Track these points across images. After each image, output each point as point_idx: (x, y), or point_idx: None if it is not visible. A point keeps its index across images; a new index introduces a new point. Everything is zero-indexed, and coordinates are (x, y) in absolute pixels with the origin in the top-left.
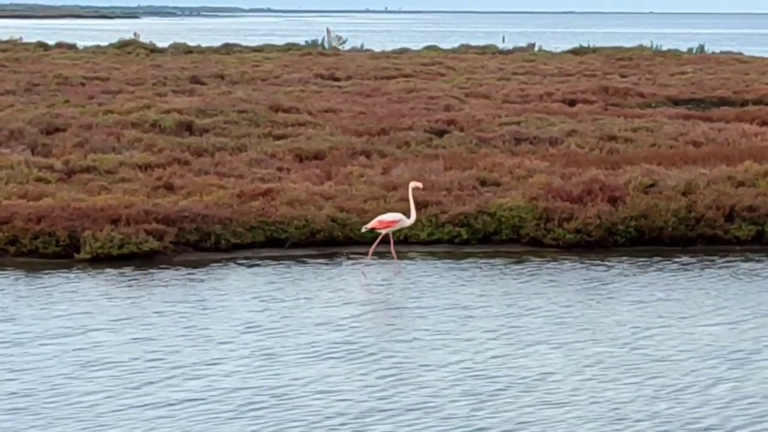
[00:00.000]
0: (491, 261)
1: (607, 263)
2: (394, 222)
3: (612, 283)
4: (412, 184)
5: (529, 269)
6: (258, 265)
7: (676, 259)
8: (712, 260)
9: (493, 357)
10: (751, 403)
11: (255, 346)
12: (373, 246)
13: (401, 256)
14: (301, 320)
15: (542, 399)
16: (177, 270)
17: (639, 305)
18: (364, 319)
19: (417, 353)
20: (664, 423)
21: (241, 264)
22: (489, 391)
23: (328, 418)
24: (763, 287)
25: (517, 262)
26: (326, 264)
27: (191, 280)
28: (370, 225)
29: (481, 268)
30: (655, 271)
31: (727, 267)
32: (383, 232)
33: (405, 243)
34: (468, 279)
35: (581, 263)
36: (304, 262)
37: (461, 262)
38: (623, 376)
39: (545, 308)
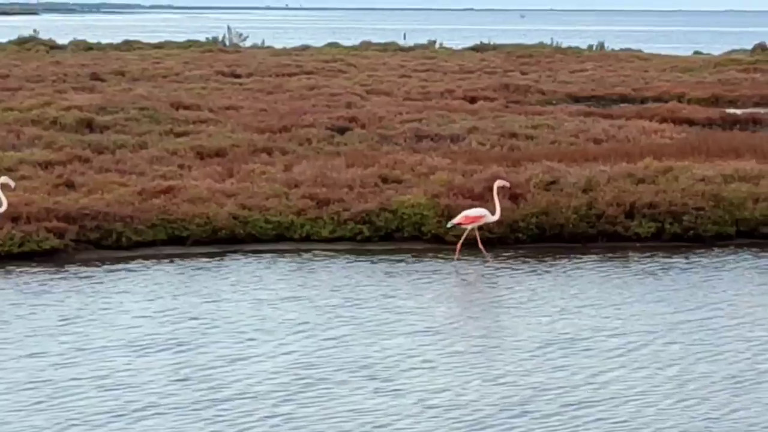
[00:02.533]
0: (392, 258)
1: (508, 260)
2: (479, 217)
3: (512, 279)
4: (498, 183)
5: (429, 267)
6: (159, 263)
7: (577, 256)
8: (613, 257)
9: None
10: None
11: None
12: (459, 242)
13: (303, 254)
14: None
15: (381, 388)
16: (78, 268)
17: (535, 302)
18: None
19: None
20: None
21: (141, 262)
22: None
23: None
24: (662, 283)
25: (418, 260)
26: (227, 261)
27: (90, 278)
28: (455, 220)
29: (382, 265)
30: (554, 267)
31: (626, 263)
32: (468, 227)
33: (307, 240)
34: (367, 276)
35: (510, 262)
36: (206, 260)
37: (362, 259)
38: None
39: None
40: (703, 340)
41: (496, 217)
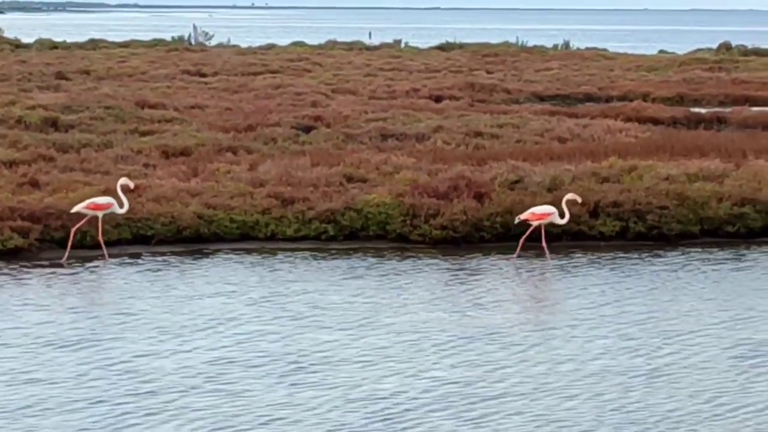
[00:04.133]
0: (356, 257)
1: (472, 259)
2: (546, 215)
3: (476, 278)
4: (568, 197)
5: (392, 266)
6: (124, 262)
7: (552, 255)
8: (577, 255)
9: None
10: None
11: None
12: (523, 238)
13: (267, 254)
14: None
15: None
16: (41, 267)
17: (499, 301)
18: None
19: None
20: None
21: (114, 262)
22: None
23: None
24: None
25: (382, 259)
26: (192, 260)
27: (53, 277)
28: (522, 216)
29: (346, 263)
30: (526, 266)
31: (590, 262)
32: (535, 224)
33: (272, 240)
34: (331, 275)
35: (445, 259)
36: (170, 259)
37: (327, 258)
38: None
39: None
40: (628, 334)
41: (565, 220)
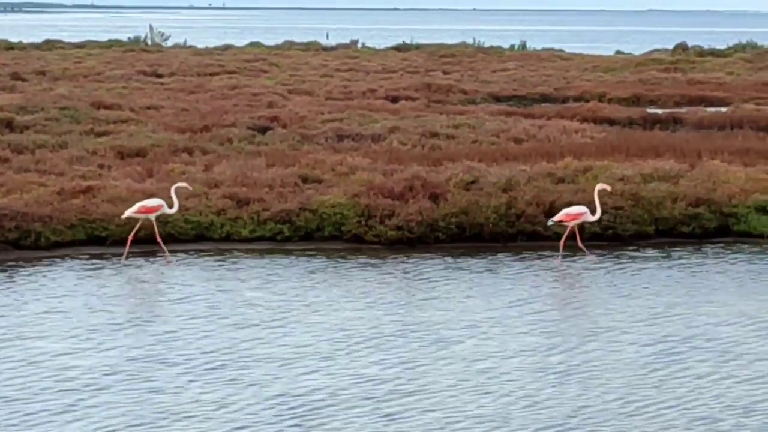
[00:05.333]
0: (312, 257)
1: (427, 259)
2: (580, 215)
3: (417, 278)
4: (599, 186)
5: (336, 265)
6: (78, 263)
7: (496, 255)
8: (531, 256)
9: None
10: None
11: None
12: (563, 239)
13: (221, 254)
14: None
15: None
16: None
17: (431, 299)
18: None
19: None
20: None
21: (60, 262)
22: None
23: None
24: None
25: (329, 259)
26: (149, 262)
27: (6, 278)
28: (556, 218)
29: (292, 263)
30: (473, 266)
31: (546, 263)
32: (570, 224)
33: (227, 240)
34: (274, 275)
35: (401, 259)
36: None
37: (282, 258)
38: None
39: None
40: (550, 332)
41: (597, 216)
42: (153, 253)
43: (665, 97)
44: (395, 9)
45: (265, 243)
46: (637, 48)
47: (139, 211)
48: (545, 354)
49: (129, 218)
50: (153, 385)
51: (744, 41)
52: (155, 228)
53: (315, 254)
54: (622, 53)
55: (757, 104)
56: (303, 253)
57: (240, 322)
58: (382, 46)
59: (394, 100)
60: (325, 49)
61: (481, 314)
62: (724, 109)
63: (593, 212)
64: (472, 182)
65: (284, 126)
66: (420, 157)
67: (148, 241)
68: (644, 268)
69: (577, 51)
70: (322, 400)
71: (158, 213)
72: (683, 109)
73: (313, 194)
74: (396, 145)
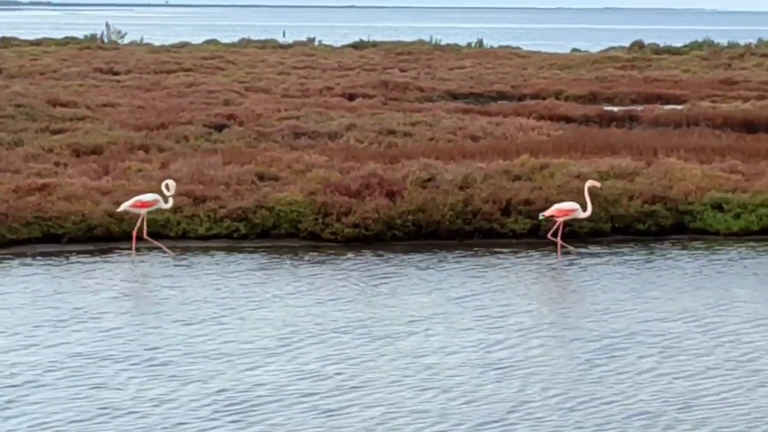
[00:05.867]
0: (267, 255)
1: (381, 256)
2: (571, 211)
3: (383, 275)
4: (589, 183)
5: (301, 263)
6: (31, 261)
7: (451, 253)
8: (486, 253)
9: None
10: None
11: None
12: (559, 236)
13: (177, 252)
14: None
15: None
16: None
17: (379, 295)
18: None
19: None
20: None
21: (13, 260)
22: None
23: None
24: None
25: (292, 256)
26: (102, 259)
27: None
28: (548, 213)
29: (254, 261)
30: (426, 264)
31: (500, 260)
32: (561, 220)
33: (183, 238)
34: (242, 274)
35: (355, 257)
36: (80, 258)
37: (236, 256)
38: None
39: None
40: (493, 328)
41: (588, 213)
42: (109, 251)
43: (622, 94)
44: (352, 6)
45: (222, 241)
46: (593, 46)
47: (134, 206)
48: (488, 350)
49: (124, 212)
50: (95, 382)
51: (700, 39)
52: (144, 223)
53: (271, 252)
54: (579, 51)
55: (713, 102)
56: (259, 250)
57: (186, 318)
58: (339, 44)
59: (351, 97)
60: (282, 46)
61: (428, 310)
62: (680, 107)
63: (584, 209)
64: (429, 180)
65: (241, 123)
66: (377, 154)
67: (105, 239)
68: (595, 265)
69: (534, 49)
70: (264, 396)
71: (154, 208)
72: (639, 107)
73: (270, 192)
74: (353, 143)
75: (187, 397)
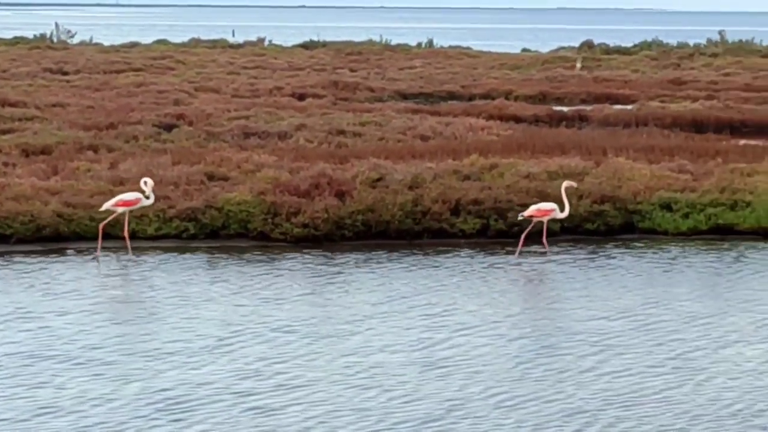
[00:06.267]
0: (216, 255)
1: (332, 257)
2: (549, 211)
3: (329, 275)
4: (566, 183)
5: (248, 262)
6: None
7: (400, 253)
8: (436, 253)
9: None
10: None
11: None
12: (544, 235)
13: (124, 252)
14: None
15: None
16: None
17: (312, 294)
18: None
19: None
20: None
21: None
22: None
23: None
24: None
25: (241, 256)
26: (50, 260)
27: None
28: (527, 213)
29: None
30: (373, 263)
31: (447, 260)
32: (543, 220)
33: (133, 238)
34: (190, 274)
35: (302, 256)
36: (28, 258)
37: (184, 256)
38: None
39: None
40: (424, 327)
41: (566, 213)
42: (58, 251)
43: (571, 94)
44: (302, 6)
45: (171, 241)
46: (543, 46)
47: (117, 205)
48: (430, 349)
49: (106, 211)
50: (36, 381)
51: (650, 39)
52: (126, 223)
53: (219, 252)
54: (529, 51)
55: (662, 102)
56: (208, 250)
57: (131, 318)
58: (289, 44)
59: (301, 97)
60: (232, 46)
61: (372, 309)
62: (629, 107)
63: (562, 209)
64: (378, 180)
65: (190, 123)
66: (326, 154)
67: (54, 239)
68: (543, 264)
69: (485, 49)
70: (206, 395)
71: (137, 206)
72: (589, 107)
73: (219, 192)
74: (302, 143)
75: (128, 396)
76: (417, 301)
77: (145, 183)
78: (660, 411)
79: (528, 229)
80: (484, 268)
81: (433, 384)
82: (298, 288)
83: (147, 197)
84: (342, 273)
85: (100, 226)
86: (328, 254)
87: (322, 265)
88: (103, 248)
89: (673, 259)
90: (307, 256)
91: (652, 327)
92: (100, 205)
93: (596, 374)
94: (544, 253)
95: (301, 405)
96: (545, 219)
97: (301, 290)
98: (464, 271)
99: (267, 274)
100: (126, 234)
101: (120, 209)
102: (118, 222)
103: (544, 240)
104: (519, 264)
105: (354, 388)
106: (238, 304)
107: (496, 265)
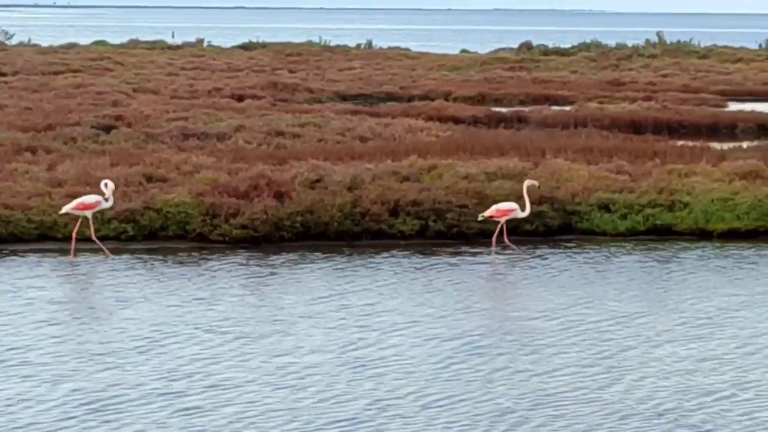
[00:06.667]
0: (153, 256)
1: (269, 258)
2: (510, 210)
3: (257, 275)
4: (527, 183)
5: (190, 265)
6: None
7: (336, 253)
8: (375, 254)
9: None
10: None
11: None
12: (503, 235)
13: (66, 254)
14: None
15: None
16: None
17: (243, 295)
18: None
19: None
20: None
21: None
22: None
23: None
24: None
25: (181, 258)
26: None
27: None
28: (487, 213)
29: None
30: (310, 265)
31: (387, 261)
32: (501, 220)
33: (71, 240)
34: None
35: (243, 258)
36: None
37: (124, 258)
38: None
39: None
40: (353, 328)
41: (526, 213)
42: (12, 252)
43: (510, 95)
44: (241, 7)
45: (110, 242)
46: (482, 47)
47: (77, 208)
48: (363, 349)
49: (67, 214)
50: None
51: (588, 40)
52: (91, 225)
53: (157, 253)
54: (468, 52)
55: (600, 103)
56: (146, 252)
57: (54, 318)
58: (229, 45)
59: (240, 98)
60: (171, 47)
61: (306, 310)
62: (568, 108)
63: (522, 208)
64: (317, 181)
65: (129, 125)
66: (265, 155)
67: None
68: (474, 265)
69: (424, 50)
70: (121, 395)
71: (97, 209)
72: (528, 108)
73: (158, 193)
74: (241, 144)
75: (59, 398)
76: (351, 302)
77: (105, 185)
78: (570, 410)
79: (498, 229)
80: (419, 269)
81: (364, 384)
82: (233, 289)
83: (107, 199)
84: (278, 274)
85: (73, 233)
86: (266, 255)
87: (258, 266)
88: (44, 250)
89: (608, 259)
90: (244, 258)
91: (584, 327)
92: (39, 207)
93: (528, 374)
94: (491, 252)
95: (233, 406)
96: (504, 219)
97: (236, 291)
98: (398, 272)
99: (202, 275)
100: (93, 236)
101: (80, 212)
102: (72, 224)
103: (505, 239)
104: (451, 265)
105: (267, 387)
106: (173, 305)
107: (433, 267)
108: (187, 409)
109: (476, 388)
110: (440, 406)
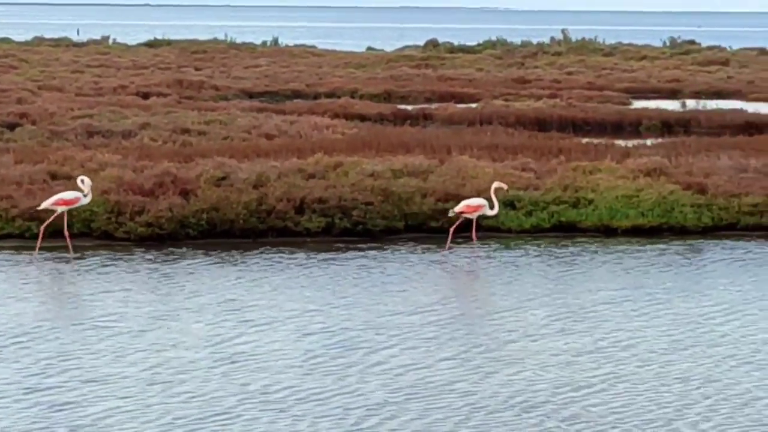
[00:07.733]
0: (56, 254)
1: (171, 256)
2: (479, 207)
3: (171, 274)
4: (495, 184)
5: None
6: None
7: (246, 252)
8: (272, 251)
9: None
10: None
11: None
12: (473, 230)
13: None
14: None
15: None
16: None
17: (155, 293)
18: None
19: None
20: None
21: None
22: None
23: None
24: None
25: (84, 256)
26: None
27: None
28: (457, 209)
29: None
30: (209, 263)
31: (279, 256)
32: (471, 216)
33: None
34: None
35: (146, 257)
36: None
37: (27, 257)
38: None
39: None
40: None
41: (495, 212)
42: None
43: (416, 93)
44: (146, 5)
45: (14, 240)
46: (388, 44)
47: (56, 203)
48: (218, 345)
49: (45, 210)
50: None
51: (494, 38)
52: (65, 221)
53: (62, 251)
54: (374, 50)
55: (506, 100)
56: (51, 250)
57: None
58: (134, 42)
59: (146, 96)
60: (76, 44)
61: (178, 305)
62: (473, 105)
63: (491, 207)
64: (223, 178)
65: (33, 122)
66: (171, 153)
67: None
68: (371, 260)
69: (330, 47)
70: (62, 393)
71: (76, 206)
72: (433, 105)
73: (62, 191)
74: (147, 142)
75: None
76: (237, 297)
77: (83, 181)
78: (443, 403)
79: (456, 224)
80: (310, 266)
81: (240, 379)
82: (124, 284)
83: (85, 195)
84: (174, 271)
85: (42, 227)
86: (169, 253)
87: (157, 263)
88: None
89: (508, 256)
90: (145, 255)
91: (466, 322)
92: None
93: (405, 369)
94: (472, 247)
95: (88, 401)
96: (474, 215)
97: (127, 287)
98: (291, 269)
99: (100, 272)
100: (66, 233)
101: (59, 208)
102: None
103: (473, 235)
104: (347, 260)
105: (141, 383)
106: (57, 300)
107: (326, 263)
108: (58, 405)
109: (352, 383)
110: (314, 400)
